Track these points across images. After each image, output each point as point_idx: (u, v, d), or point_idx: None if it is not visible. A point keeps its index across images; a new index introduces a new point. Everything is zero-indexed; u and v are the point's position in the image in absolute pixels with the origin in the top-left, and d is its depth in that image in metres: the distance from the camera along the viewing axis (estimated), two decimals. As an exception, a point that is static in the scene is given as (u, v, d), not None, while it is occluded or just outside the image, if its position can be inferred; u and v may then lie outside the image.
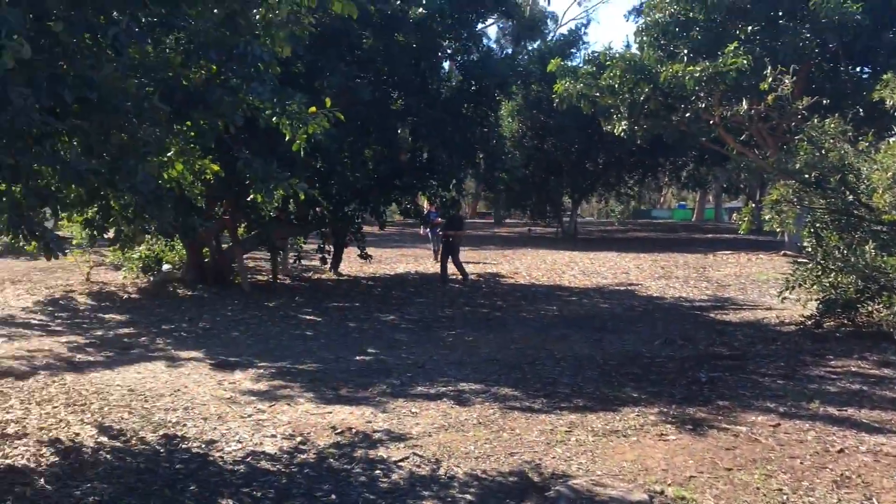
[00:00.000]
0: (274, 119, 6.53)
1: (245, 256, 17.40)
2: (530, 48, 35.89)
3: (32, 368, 8.39)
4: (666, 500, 4.52)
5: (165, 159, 6.37)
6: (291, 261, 17.78)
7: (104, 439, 5.89)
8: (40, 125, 4.14)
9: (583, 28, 38.93)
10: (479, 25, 16.18)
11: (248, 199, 11.15)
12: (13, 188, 4.58)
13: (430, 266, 19.96)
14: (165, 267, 16.63)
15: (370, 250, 17.50)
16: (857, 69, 21.59)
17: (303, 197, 6.92)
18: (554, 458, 5.35)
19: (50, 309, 12.88)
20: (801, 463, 5.16)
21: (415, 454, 5.46)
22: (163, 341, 10.19)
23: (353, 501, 4.64)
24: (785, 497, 4.57)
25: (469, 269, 17.34)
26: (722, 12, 19.68)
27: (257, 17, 5.81)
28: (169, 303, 13.66)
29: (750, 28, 19.47)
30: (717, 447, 5.51)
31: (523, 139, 30.31)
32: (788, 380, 7.53)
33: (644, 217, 55.26)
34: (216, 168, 7.08)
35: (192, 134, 6.57)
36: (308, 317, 12.34)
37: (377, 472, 5.14)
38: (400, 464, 5.28)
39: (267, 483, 4.98)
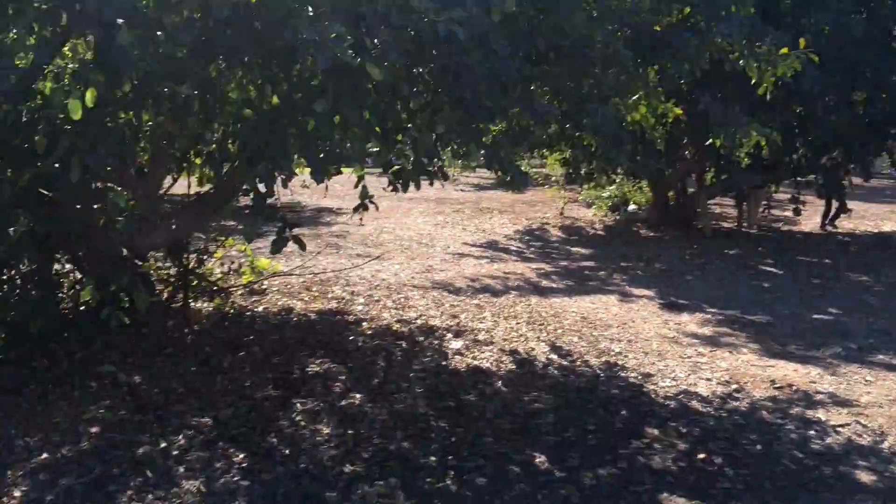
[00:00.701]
0: (741, 61, 6.41)
1: (711, 202, 17.25)
2: None
3: (505, 288, 9.58)
4: None
5: (630, 102, 6.69)
6: (760, 210, 17.07)
7: (554, 357, 6.57)
8: (516, 72, 4.70)
9: None
10: None
11: (710, 143, 11.01)
12: (491, 128, 5.29)
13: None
14: (631, 207, 17.30)
15: (853, 205, 16.05)
16: None
17: (764, 143, 6.69)
18: None
19: (527, 238, 14.37)
20: None
21: (857, 422, 5.09)
22: (619, 277, 10.74)
23: (778, 456, 4.55)
24: None
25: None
26: None
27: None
28: (631, 241, 14.25)
29: None
30: None
31: None
32: None
33: None
34: (679, 111, 7.20)
35: (657, 78, 6.76)
36: (769, 269, 11.86)
37: (811, 432, 4.93)
38: (838, 429, 4.98)
39: (694, 421, 5.12)
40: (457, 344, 6.82)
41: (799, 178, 16.03)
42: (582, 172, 16.09)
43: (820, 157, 15.23)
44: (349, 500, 3.89)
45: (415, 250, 12.22)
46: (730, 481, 4.20)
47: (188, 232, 6.71)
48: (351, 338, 6.87)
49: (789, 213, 16.87)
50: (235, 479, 4.06)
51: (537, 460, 4.43)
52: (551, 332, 7.39)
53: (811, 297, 9.58)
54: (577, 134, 6.26)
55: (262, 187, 4.61)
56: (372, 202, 5.49)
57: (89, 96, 3.87)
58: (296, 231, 5.21)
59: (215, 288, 7.42)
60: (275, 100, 4.50)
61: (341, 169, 5.14)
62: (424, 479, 4.13)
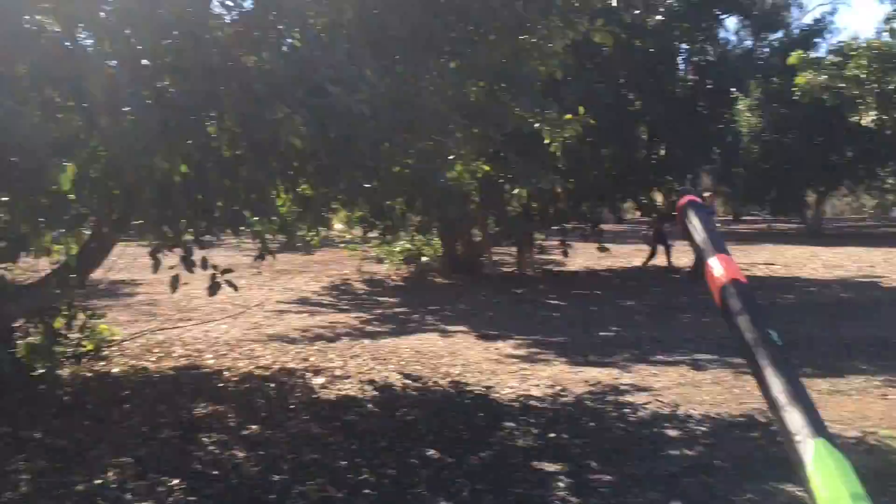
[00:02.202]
0: (536, 125, 7.90)
1: (493, 250, 19.16)
2: (772, 38, 34.91)
3: (336, 335, 10.43)
4: (877, 438, 5.33)
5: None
6: (534, 254, 19.22)
7: (408, 382, 7.59)
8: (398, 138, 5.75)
9: (828, 17, 36.91)
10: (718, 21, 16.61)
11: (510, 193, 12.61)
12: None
13: (663, 259, 20.65)
14: (424, 259, 18.77)
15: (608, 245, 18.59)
16: None
17: (559, 190, 8.23)
18: (779, 408, 6.24)
19: (335, 293, 15.28)
20: None
21: (657, 400, 6.61)
22: (432, 318, 11.97)
23: (608, 427, 5.88)
24: None
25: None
26: None
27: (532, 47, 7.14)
28: (430, 289, 15.64)
29: None
30: (936, 407, 6.14)
31: (762, 133, 29.77)
32: None
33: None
34: (488, 168, 8.61)
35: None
36: (553, 301, 13.72)
37: (625, 410, 6.35)
38: (644, 406, 6.45)
39: (538, 415, 6.35)
40: (319, 380, 7.62)
41: (565, 225, 18.33)
42: (380, 229, 17.29)
43: (579, 206, 17.59)
44: (291, 498, 4.63)
45: (233, 311, 12.69)
46: (579, 448, 5.43)
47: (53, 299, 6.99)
48: (220, 384, 7.45)
49: (558, 256, 19.17)
50: (182, 496, 4.65)
51: (429, 453, 5.41)
52: (396, 364, 8.40)
53: (594, 320, 11.37)
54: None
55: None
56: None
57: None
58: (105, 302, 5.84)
59: (78, 353, 7.66)
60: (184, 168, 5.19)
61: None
62: (345, 477, 4.96)
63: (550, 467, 5.07)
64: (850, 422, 5.76)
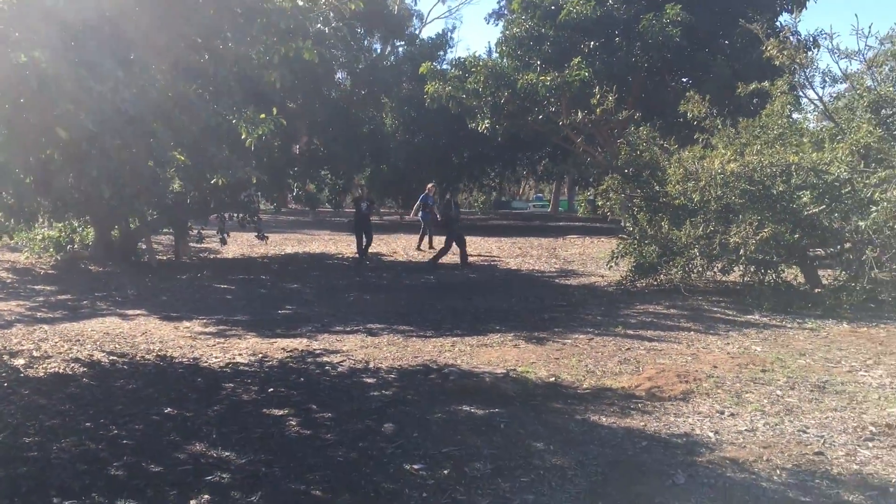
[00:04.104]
0: (233, 121, 8.72)
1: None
2: (398, 44, 38.43)
3: (7, 322, 10.16)
4: (517, 373, 7.20)
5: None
6: (192, 241, 19.49)
7: (114, 358, 7.99)
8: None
9: (449, 32, 41.66)
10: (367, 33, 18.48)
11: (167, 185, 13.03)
12: None
13: (315, 247, 22.21)
14: (72, 248, 18.06)
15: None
16: (682, 81, 25.45)
17: (255, 180, 9.15)
18: (445, 358, 7.93)
19: (-22, 282, 14.28)
20: (601, 355, 7.99)
21: (349, 359, 7.91)
22: (104, 304, 12.02)
23: (315, 381, 7.04)
24: (588, 367, 7.37)
25: (349, 250, 19.75)
26: (568, 30, 22.87)
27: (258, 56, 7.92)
28: (88, 276, 15.30)
29: (592, 44, 22.80)
30: (550, 349, 8.28)
31: (395, 134, 32.83)
32: (605, 316, 10.47)
33: (505, 208, 58.95)
34: (182, 158, 9.18)
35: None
36: (221, 286, 14.38)
37: (326, 367, 7.55)
38: (340, 364, 7.71)
39: (251, 376, 7.28)
40: (20, 361, 7.69)
41: (223, 214, 18.86)
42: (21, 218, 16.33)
43: (238, 195, 18.30)
44: (54, 452, 5.09)
45: None
46: (298, 397, 6.50)
47: None
48: None
49: (213, 245, 19.67)
50: None
51: (166, 410, 6.09)
52: (92, 344, 8.66)
53: (268, 301, 12.37)
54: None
55: None
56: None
57: None
58: None
59: None
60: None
61: None
62: (98, 434, 5.49)
63: (279, 412, 6.09)
64: (497, 364, 7.60)
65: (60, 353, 8.14)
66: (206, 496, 4.42)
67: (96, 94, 5.25)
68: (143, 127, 6.94)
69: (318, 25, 14.71)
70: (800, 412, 5.96)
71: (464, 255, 17.66)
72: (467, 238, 20.38)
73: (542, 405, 6.18)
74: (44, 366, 7.58)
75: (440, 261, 17.34)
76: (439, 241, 19.08)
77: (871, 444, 5.22)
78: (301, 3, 7.21)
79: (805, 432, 5.48)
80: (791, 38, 18.67)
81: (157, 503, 4.35)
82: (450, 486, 4.53)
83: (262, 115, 8.81)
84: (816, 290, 12.12)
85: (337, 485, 4.57)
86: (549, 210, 55.69)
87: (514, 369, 7.37)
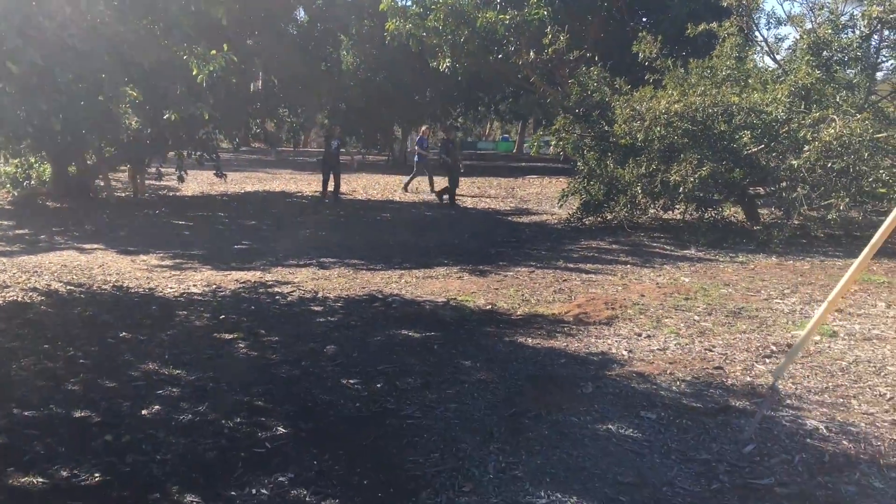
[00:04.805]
0: (184, 57, 8.88)
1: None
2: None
3: (-37, 255, 10.35)
4: (457, 301, 7.64)
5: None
6: (150, 178, 19.57)
7: (72, 288, 8.28)
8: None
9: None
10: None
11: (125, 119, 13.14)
12: None
13: (276, 185, 22.37)
14: (27, 183, 18.08)
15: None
16: (642, 21, 25.65)
17: (207, 116, 9.35)
18: (391, 288, 8.35)
19: (-66, 217, 14.34)
20: (538, 285, 8.46)
21: (299, 289, 8.29)
22: (61, 239, 12.22)
23: (266, 309, 7.42)
24: (524, 296, 7.84)
25: (309, 189, 19.95)
26: (529, -32, 22.85)
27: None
28: (45, 212, 15.44)
29: (553, -18, 22.85)
30: (491, 281, 8.73)
31: (357, 72, 32.64)
32: (549, 251, 10.95)
33: (470, 148, 59.08)
34: (133, 94, 9.35)
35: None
36: (178, 222, 14.61)
37: (276, 297, 7.93)
38: (290, 293, 8.09)
39: (204, 304, 7.63)
40: (-22, 290, 7.95)
41: (182, 151, 18.91)
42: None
43: (196, 133, 18.35)
44: (11, 369, 5.43)
45: None
46: (247, 323, 6.87)
47: None
48: None
49: (172, 182, 19.75)
50: None
51: (121, 334, 6.44)
52: (49, 275, 8.93)
53: (224, 237, 12.66)
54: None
55: None
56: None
57: None
58: None
59: None
60: None
61: None
62: (55, 354, 5.83)
63: (229, 336, 6.46)
64: (439, 294, 8.04)
65: (18, 283, 8.42)
66: (157, 406, 4.81)
67: (45, 29, 5.46)
68: (93, 62, 7.15)
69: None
70: (711, 334, 6.48)
71: (453, 194, 17.75)
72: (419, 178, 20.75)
73: (475, 329, 6.63)
74: (2, 294, 7.85)
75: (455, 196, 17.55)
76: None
77: (767, 361, 5.75)
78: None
79: (711, 350, 6.00)
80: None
81: (111, 413, 4.73)
82: (381, 397, 4.97)
83: (213, 52, 8.98)
84: (756, 228, 12.70)
85: (278, 396, 4.99)
86: (513, 151, 55.99)
87: (455, 298, 7.81)
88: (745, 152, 11.94)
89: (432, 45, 23.43)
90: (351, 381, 5.27)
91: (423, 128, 22.04)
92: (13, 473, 3.96)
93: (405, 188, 21.11)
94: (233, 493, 3.72)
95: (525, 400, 4.89)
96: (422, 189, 21.01)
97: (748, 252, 10.83)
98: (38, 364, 5.60)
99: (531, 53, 19.45)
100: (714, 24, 14.01)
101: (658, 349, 6.04)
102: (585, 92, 13.80)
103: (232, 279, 8.92)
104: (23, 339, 6.27)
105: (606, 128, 13.46)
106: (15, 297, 7.76)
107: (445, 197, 17.62)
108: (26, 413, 4.72)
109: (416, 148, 21.00)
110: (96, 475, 3.93)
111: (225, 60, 9.10)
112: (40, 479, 3.90)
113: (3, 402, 4.87)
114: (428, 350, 6.02)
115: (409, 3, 28.10)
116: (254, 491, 3.73)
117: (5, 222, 13.93)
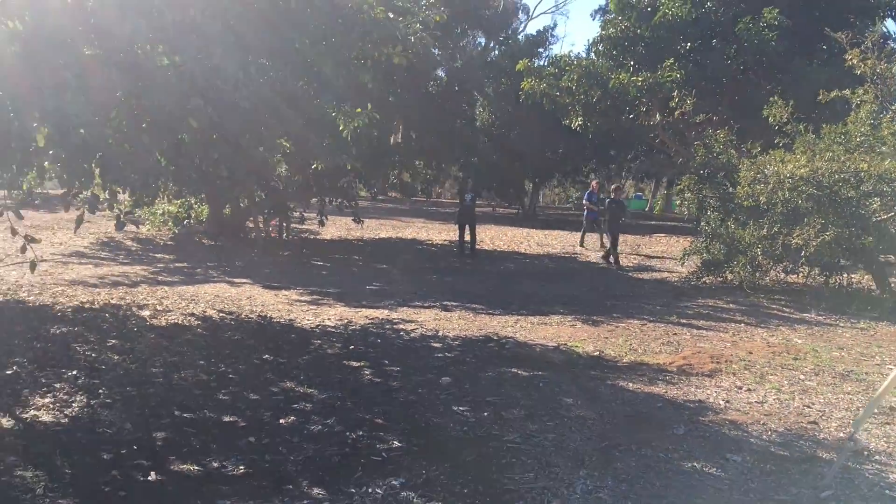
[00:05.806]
0: (333, 114, 9.90)
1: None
2: (501, 38, 39.23)
3: (135, 282, 11.71)
4: (566, 347, 8.11)
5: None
6: (294, 222, 21.02)
7: (223, 315, 9.31)
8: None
9: (550, 30, 42.12)
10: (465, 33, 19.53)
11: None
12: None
13: (408, 233, 23.48)
14: (187, 222, 19.90)
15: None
16: (778, 86, 25.39)
17: (349, 167, 10.32)
18: (506, 331, 8.92)
19: (108, 248, 16.13)
20: (647, 337, 8.80)
21: (422, 327, 8.99)
22: (215, 272, 13.52)
23: (391, 342, 8.14)
24: (632, 346, 8.21)
25: (439, 238, 20.87)
26: (663, 31, 23.27)
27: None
28: (202, 249, 16.98)
29: (687, 45, 23.16)
30: (602, 330, 9.15)
31: (492, 128, 33.72)
32: (664, 307, 11.20)
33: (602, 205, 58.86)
34: (287, 145, 10.44)
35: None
36: (319, 262, 15.76)
37: (401, 332, 8.65)
38: (413, 330, 8.80)
39: (336, 336, 8.44)
40: (146, 312, 9.11)
41: (325, 198, 20.30)
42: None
43: (338, 180, 19.68)
44: (174, 381, 6.34)
45: (13, 259, 13.28)
46: (373, 354, 7.61)
47: None
48: (59, 314, 8.67)
49: (313, 226, 21.11)
50: (86, 381, 6.18)
51: (264, 356, 7.30)
52: (204, 303, 10.03)
53: (358, 277, 13.61)
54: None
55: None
56: None
57: None
58: None
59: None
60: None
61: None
62: (209, 369, 6.73)
63: (356, 364, 7.21)
64: (551, 339, 8.54)
65: (179, 309, 9.54)
66: (292, 417, 5.56)
67: (221, 91, 6.46)
68: (257, 118, 8.19)
69: (418, 26, 15.73)
70: (813, 393, 6.66)
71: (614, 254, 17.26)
72: (556, 232, 21.16)
73: (581, 372, 7.09)
74: (165, 317, 8.96)
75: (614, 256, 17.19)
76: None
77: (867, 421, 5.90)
78: (391, 16, 8.28)
79: (809, 407, 6.20)
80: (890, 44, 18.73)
81: (254, 420, 5.51)
82: (487, 424, 5.52)
83: (358, 110, 9.95)
84: (884, 296, 12.46)
85: (396, 416, 5.63)
86: (645, 209, 55.57)
87: (565, 344, 8.28)
88: (875, 220, 11.83)
89: (565, 104, 24.13)
90: (461, 409, 5.85)
91: (594, 182, 22.37)
92: (175, 461, 4.76)
93: (581, 244, 21.07)
94: (352, 489, 4.35)
95: (618, 435, 5.31)
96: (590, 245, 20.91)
97: (871, 319, 10.71)
98: (195, 376, 6.50)
99: (657, 115, 19.75)
100: (847, 91, 13.97)
101: (756, 402, 6.29)
102: (711, 154, 14.03)
103: (362, 315, 9.73)
104: (182, 355, 7.23)
105: (730, 189, 13.60)
106: (176, 321, 8.83)
107: (612, 259, 17.32)
108: (185, 415, 5.57)
109: (586, 203, 21.08)
110: (241, 468, 4.66)
111: (368, 118, 10.07)
112: (196, 468, 4.67)
113: (167, 405, 5.75)
114: (534, 387, 6.52)
115: (544, 63, 29.08)
116: (370, 490, 4.35)
117: (167, 256, 15.48)
